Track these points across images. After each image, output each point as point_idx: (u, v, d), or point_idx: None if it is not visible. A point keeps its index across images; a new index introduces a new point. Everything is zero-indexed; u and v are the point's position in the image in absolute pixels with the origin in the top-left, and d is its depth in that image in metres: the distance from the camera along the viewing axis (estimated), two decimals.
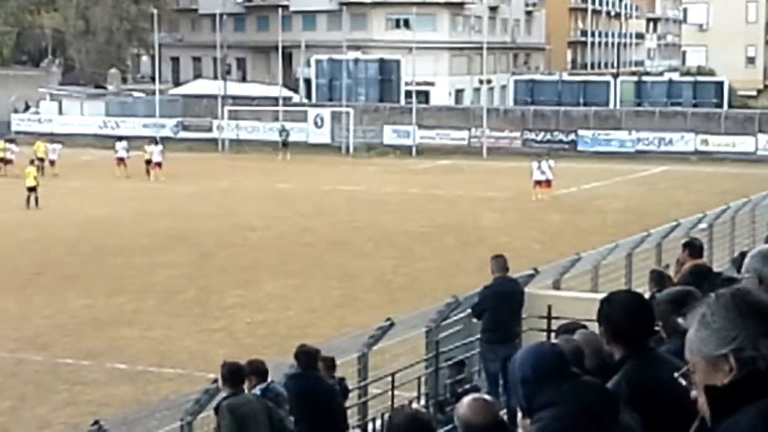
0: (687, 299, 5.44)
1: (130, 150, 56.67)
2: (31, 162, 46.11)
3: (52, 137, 62.55)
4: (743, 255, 10.18)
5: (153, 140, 59.52)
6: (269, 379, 11.61)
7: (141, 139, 61.71)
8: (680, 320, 5.05)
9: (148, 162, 55.48)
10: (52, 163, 55.58)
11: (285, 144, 65.72)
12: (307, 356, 11.91)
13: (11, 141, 59.23)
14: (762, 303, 2.82)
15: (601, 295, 5.28)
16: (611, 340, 4.71)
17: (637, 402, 4.53)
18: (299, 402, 11.53)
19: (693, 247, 12.29)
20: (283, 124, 68.39)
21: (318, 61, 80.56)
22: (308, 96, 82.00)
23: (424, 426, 6.00)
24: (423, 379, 15.98)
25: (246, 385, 11.28)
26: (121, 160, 55.88)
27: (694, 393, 2.89)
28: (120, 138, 59.22)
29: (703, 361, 2.83)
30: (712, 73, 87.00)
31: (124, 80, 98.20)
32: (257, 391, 11.33)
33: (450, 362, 15.84)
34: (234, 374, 11.16)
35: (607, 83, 77.85)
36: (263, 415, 11.07)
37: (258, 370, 11.55)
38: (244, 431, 10.90)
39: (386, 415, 12.22)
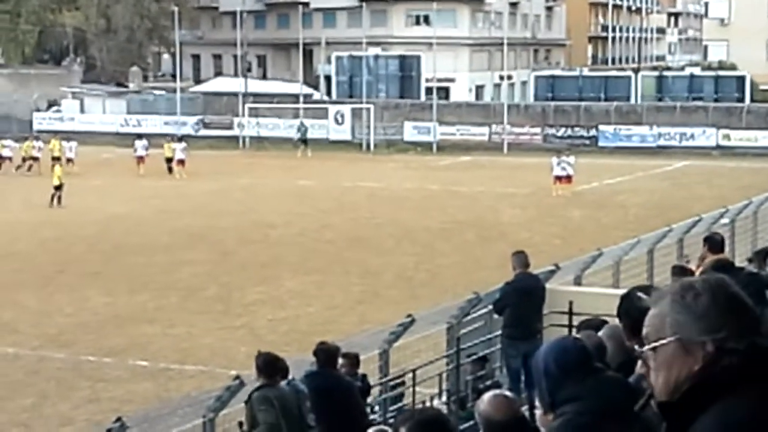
0: None
1: (150, 148, 56.83)
2: (57, 160, 46.19)
3: (68, 135, 62.57)
4: (761, 252, 10.14)
5: (176, 137, 59.56)
6: (290, 377, 11.61)
7: (162, 137, 61.80)
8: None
9: (169, 160, 55.62)
10: (69, 161, 55.66)
11: (304, 141, 65.76)
12: (326, 354, 11.89)
13: (36, 139, 59.42)
14: (742, 297, 2.78)
15: (622, 291, 5.24)
16: (631, 336, 4.68)
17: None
18: (317, 399, 11.53)
19: (713, 242, 12.20)
20: (302, 121, 68.45)
21: (338, 58, 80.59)
22: (328, 93, 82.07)
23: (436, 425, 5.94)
24: (444, 375, 15.96)
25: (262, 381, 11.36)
26: (141, 158, 56.01)
27: (639, 369, 2.85)
28: (140, 136, 59.31)
29: (676, 343, 2.75)
30: (733, 67, 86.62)
31: (145, 78, 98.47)
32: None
33: (473, 357, 15.82)
34: (269, 365, 11.18)
35: (628, 78, 77.62)
36: (296, 407, 11.10)
37: (279, 368, 11.56)
38: (284, 413, 10.90)
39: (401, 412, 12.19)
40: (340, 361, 12.98)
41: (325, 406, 11.55)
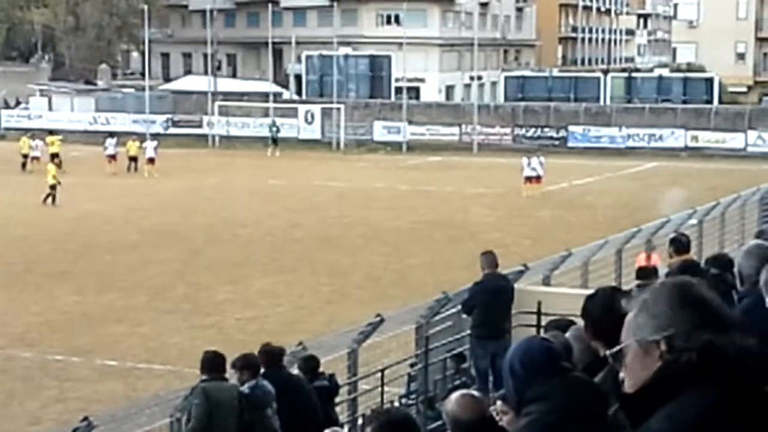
0: None
1: (120, 146, 56.63)
2: (52, 159, 45.80)
3: (33, 133, 62.25)
4: (716, 258, 10.19)
5: (137, 137, 59.37)
6: (259, 377, 11.62)
7: (131, 135, 61.53)
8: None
9: (132, 158, 55.53)
10: (36, 159, 55.64)
11: (275, 140, 65.66)
12: (269, 355, 11.98)
13: (33, 137, 59.18)
14: (701, 296, 2.83)
15: (591, 291, 5.27)
16: (593, 337, 4.70)
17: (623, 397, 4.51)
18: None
19: (679, 243, 12.28)
20: (274, 120, 68.34)
21: (308, 57, 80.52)
22: (299, 92, 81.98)
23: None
24: (412, 374, 15.99)
25: (237, 377, 11.40)
26: (111, 156, 55.80)
27: (622, 374, 2.91)
28: (111, 134, 59.07)
29: (636, 344, 2.83)
30: (702, 69, 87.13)
31: (114, 76, 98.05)
32: (246, 388, 11.37)
33: (451, 353, 15.85)
34: (211, 361, 11.30)
35: (598, 79, 77.94)
36: (234, 407, 11.16)
37: (250, 365, 11.60)
38: (214, 416, 10.98)
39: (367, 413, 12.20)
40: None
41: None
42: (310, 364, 12.80)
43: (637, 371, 2.82)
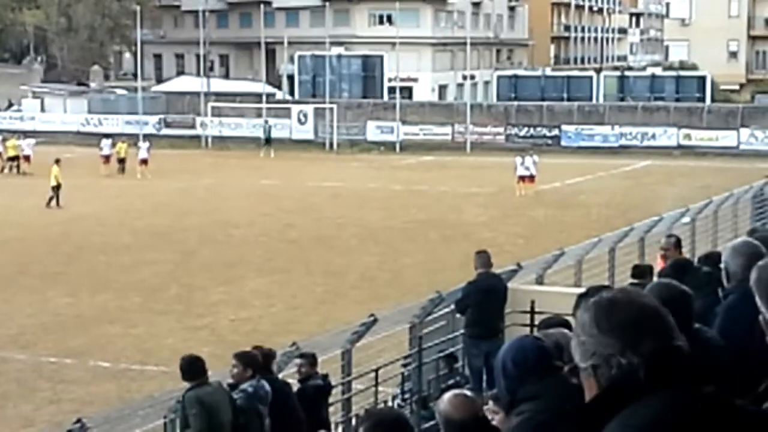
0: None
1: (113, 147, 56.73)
2: (56, 162, 45.78)
3: (24, 133, 62.28)
4: (708, 256, 10.23)
5: (135, 138, 59.42)
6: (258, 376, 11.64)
7: (124, 136, 61.59)
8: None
9: (121, 160, 55.55)
10: (27, 158, 55.64)
11: (268, 140, 65.63)
12: (253, 358, 11.98)
13: (25, 137, 59.20)
14: (623, 316, 2.78)
15: (584, 290, 5.27)
16: None
17: None
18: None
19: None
20: (266, 120, 68.28)
21: (301, 58, 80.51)
22: (291, 92, 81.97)
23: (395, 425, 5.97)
24: (406, 374, 15.98)
25: (237, 371, 11.46)
26: (106, 157, 55.83)
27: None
28: (106, 136, 59.05)
29: (577, 368, 2.85)
30: (694, 67, 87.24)
31: (107, 77, 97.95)
32: (249, 387, 11.38)
33: (443, 353, 15.84)
34: (192, 366, 11.26)
35: (590, 78, 78.02)
36: (227, 407, 11.17)
37: (255, 363, 11.63)
38: (212, 419, 10.98)
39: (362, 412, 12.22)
40: (298, 361, 13.02)
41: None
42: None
43: (587, 389, 2.83)
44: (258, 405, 11.40)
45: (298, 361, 13.08)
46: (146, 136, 62.37)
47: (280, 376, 12.68)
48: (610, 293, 2.88)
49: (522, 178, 47.10)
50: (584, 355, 2.79)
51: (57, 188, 43.54)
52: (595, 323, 2.78)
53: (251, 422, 11.38)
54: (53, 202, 43.50)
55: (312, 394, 12.85)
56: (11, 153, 56.62)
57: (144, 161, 54.63)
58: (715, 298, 6.38)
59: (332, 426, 13.87)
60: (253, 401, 11.37)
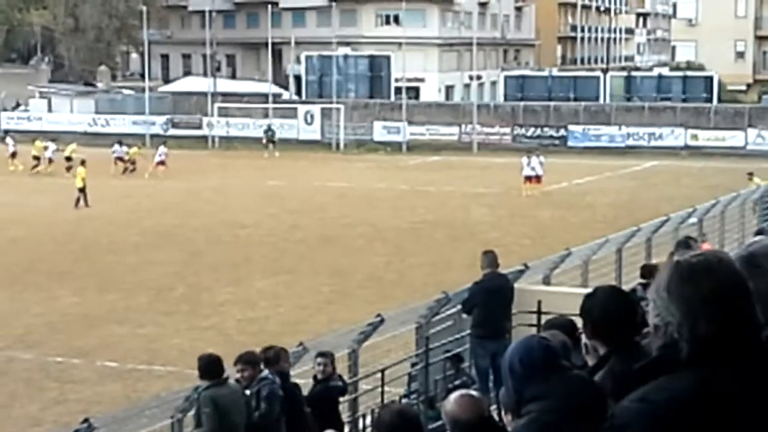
0: None
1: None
2: (82, 163, 45.99)
3: (44, 135, 62.51)
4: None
5: (142, 140, 59.64)
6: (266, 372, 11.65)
7: (131, 137, 61.79)
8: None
9: (132, 161, 55.79)
10: (50, 161, 55.89)
11: (272, 141, 65.58)
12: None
13: (53, 140, 59.40)
14: (693, 288, 2.74)
15: (590, 290, 5.26)
16: (592, 336, 4.70)
17: (622, 397, 4.51)
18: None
19: (680, 244, 12.32)
20: (269, 124, 68.21)
21: (308, 58, 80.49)
22: (298, 93, 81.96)
23: (412, 421, 6.00)
24: (413, 374, 15.98)
25: (246, 374, 11.42)
26: (119, 158, 56.15)
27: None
28: (120, 142, 59.15)
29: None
30: (701, 67, 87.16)
31: (114, 78, 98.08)
32: (268, 374, 11.39)
33: (448, 354, 15.84)
34: (210, 365, 11.25)
35: (597, 78, 77.91)
36: (242, 408, 11.17)
37: (256, 361, 11.65)
38: (225, 420, 10.99)
39: (376, 411, 12.24)
40: (320, 360, 12.96)
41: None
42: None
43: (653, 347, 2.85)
44: (270, 398, 11.37)
45: (320, 360, 12.98)
46: (152, 137, 62.37)
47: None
48: (696, 257, 2.80)
49: (528, 178, 47.08)
50: (652, 312, 2.78)
51: (82, 189, 43.68)
52: (666, 286, 2.76)
53: (273, 409, 11.32)
54: (81, 202, 43.61)
55: (334, 395, 12.85)
56: (34, 153, 56.71)
57: (161, 163, 54.80)
58: None
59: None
60: (276, 387, 11.35)
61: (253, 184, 50.69)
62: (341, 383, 13.15)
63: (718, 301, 2.71)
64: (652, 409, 2.63)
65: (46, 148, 56.73)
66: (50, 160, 55.85)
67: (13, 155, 57.79)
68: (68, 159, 54.19)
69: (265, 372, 11.49)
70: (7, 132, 67.85)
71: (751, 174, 40.77)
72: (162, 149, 55.82)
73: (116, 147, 56.85)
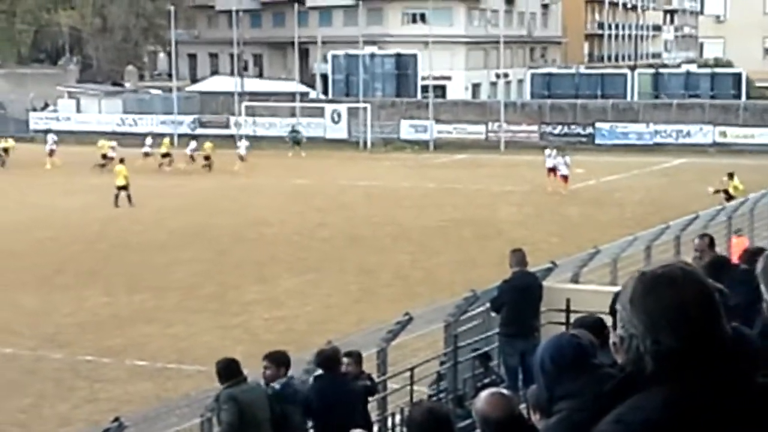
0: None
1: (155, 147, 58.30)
2: (121, 161, 46.33)
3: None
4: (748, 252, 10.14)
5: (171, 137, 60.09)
6: (290, 374, 11.63)
7: (160, 136, 62.07)
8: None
9: (165, 155, 57.03)
10: (111, 159, 56.33)
11: (297, 142, 65.73)
12: (325, 358, 11.91)
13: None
14: (655, 301, 2.65)
15: (619, 288, 5.25)
16: None
17: None
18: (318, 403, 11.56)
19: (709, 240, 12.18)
20: (293, 125, 68.37)
21: (334, 57, 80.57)
22: (325, 92, 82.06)
23: (442, 419, 6.00)
24: (441, 373, 15.97)
25: (270, 372, 11.42)
26: (146, 154, 56.85)
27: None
28: (153, 137, 59.72)
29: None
30: (729, 64, 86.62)
31: (141, 77, 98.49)
32: (277, 385, 11.38)
33: (477, 353, 15.81)
34: (226, 368, 11.26)
35: (625, 76, 77.62)
36: (264, 404, 11.16)
37: (281, 362, 11.63)
38: (245, 415, 10.99)
39: (406, 410, 12.23)
40: (345, 360, 12.91)
41: (325, 411, 11.53)
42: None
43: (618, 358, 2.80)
44: (280, 405, 11.35)
45: (345, 360, 12.95)
46: (180, 136, 62.69)
47: (314, 375, 12.64)
48: (661, 269, 2.70)
49: (551, 170, 47.22)
50: (618, 324, 2.71)
51: (123, 188, 43.75)
52: (629, 297, 2.68)
53: (287, 416, 11.37)
54: (122, 201, 43.68)
55: (362, 394, 12.81)
56: (102, 152, 57.14)
57: (241, 157, 56.55)
58: (754, 295, 6.31)
59: None
60: (283, 396, 11.36)
61: (280, 183, 50.78)
62: (369, 382, 13.12)
63: (681, 314, 2.62)
64: (628, 430, 2.59)
65: (113, 148, 57.19)
66: (146, 155, 57.20)
67: (51, 153, 58.21)
68: (164, 155, 56.80)
69: (274, 383, 11.47)
70: (49, 130, 68.23)
71: (731, 174, 40.41)
72: (242, 144, 57.27)
73: (148, 140, 57.78)
